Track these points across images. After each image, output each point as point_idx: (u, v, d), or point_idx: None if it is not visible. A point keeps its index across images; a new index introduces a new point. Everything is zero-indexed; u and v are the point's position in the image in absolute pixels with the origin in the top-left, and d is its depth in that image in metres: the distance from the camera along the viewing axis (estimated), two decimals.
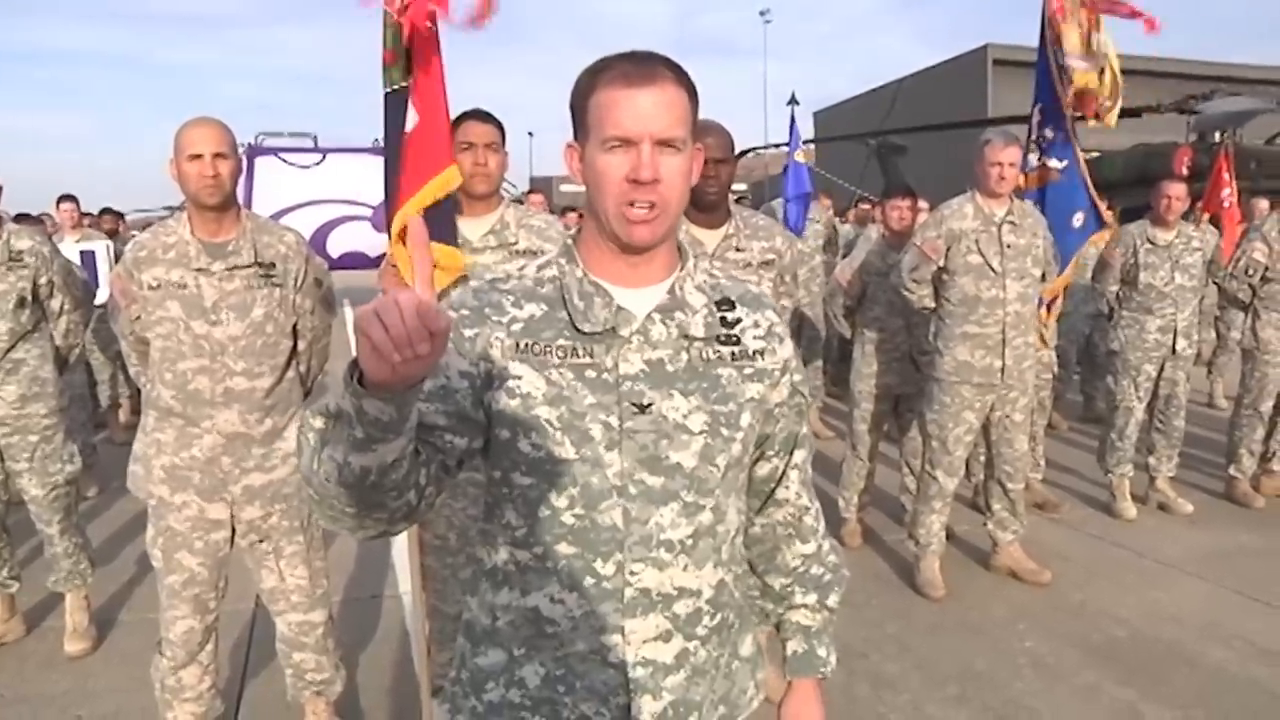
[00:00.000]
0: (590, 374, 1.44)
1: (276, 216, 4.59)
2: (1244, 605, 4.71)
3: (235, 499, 3.16)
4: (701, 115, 1.49)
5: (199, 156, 2.96)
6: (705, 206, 3.44)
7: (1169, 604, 4.75)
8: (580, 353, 1.44)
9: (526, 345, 1.44)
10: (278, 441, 3.21)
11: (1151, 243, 6.04)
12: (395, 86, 3.08)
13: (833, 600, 1.72)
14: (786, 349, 1.57)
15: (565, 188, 33.66)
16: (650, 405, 1.44)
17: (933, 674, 4.05)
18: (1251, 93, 19.06)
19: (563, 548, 1.45)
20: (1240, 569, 5.19)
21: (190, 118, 3.04)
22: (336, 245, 5.10)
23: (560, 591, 1.46)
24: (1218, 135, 15.83)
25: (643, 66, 1.40)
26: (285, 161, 5.49)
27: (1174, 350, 6.07)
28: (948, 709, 3.78)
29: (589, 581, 1.45)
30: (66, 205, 8.26)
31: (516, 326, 1.45)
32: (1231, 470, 6.47)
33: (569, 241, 1.54)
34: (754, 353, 1.52)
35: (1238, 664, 4.13)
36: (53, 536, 4.36)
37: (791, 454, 1.64)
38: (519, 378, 1.43)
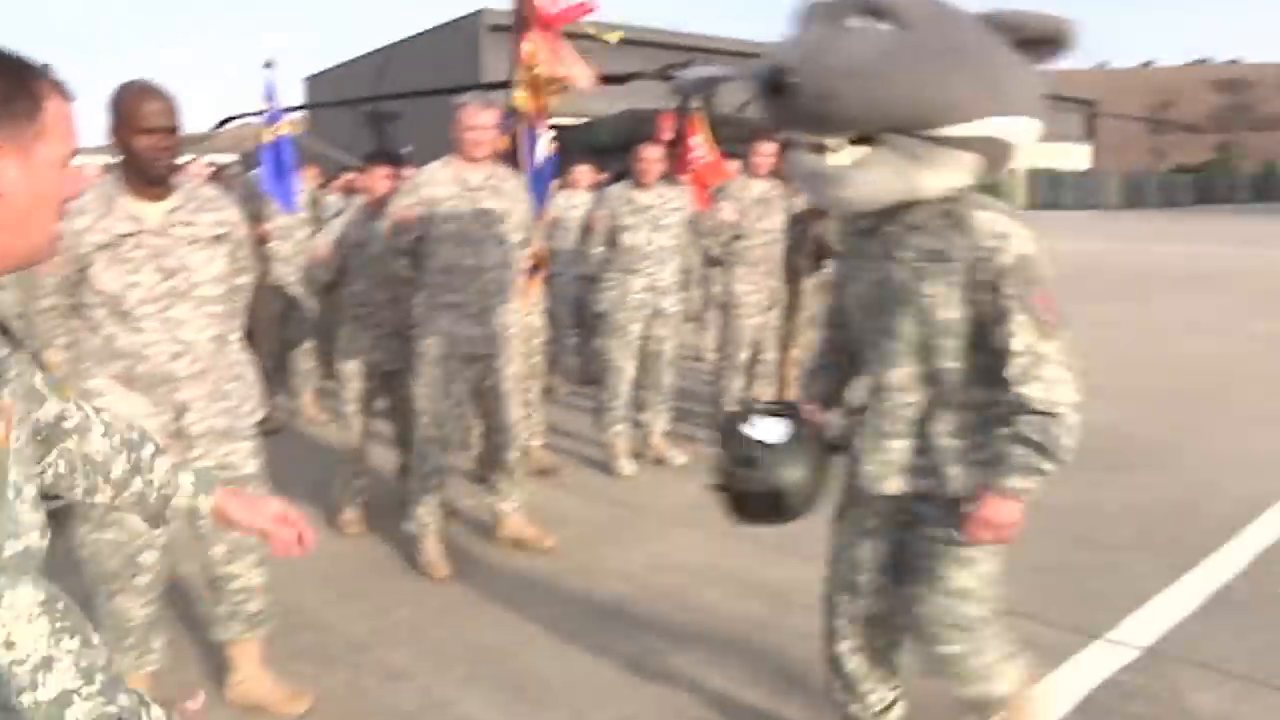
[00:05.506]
0: None
1: None
2: (734, 547, 5.10)
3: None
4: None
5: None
6: (154, 179, 3.27)
7: (671, 554, 5.17)
8: None
9: None
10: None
11: (632, 204, 6.49)
12: None
13: None
14: None
15: None
16: None
17: (442, 657, 4.11)
18: (724, 62, 21.05)
19: None
20: None
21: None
22: None
23: None
24: (695, 102, 17.31)
25: None
26: None
27: (659, 308, 6.57)
28: (459, 690, 3.86)
29: None
30: None
31: None
32: None
33: None
34: None
35: (732, 601, 4.58)
36: None
37: None
38: None
